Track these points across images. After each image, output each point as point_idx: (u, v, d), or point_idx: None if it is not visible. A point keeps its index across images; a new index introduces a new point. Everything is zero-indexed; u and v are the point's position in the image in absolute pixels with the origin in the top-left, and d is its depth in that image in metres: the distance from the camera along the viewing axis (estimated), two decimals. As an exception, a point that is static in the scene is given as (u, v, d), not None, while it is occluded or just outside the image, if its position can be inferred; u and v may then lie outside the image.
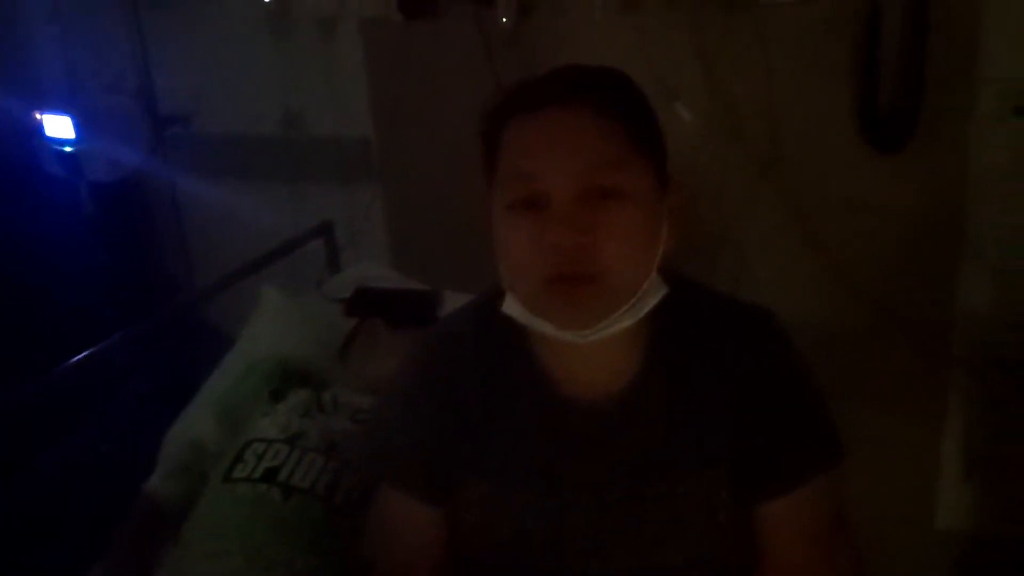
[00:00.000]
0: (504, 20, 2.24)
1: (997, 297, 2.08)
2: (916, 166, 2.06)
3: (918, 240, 2.11)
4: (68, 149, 2.65)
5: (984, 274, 2.07)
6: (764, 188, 2.20)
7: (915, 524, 2.25)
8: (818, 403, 0.99)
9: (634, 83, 0.96)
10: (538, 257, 0.87)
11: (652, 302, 0.92)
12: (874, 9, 1.98)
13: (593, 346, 0.92)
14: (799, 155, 2.16)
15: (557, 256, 0.86)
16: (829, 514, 0.99)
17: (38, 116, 2.67)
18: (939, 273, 2.12)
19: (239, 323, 1.87)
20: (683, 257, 0.97)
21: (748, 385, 0.96)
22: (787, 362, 0.99)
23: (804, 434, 0.97)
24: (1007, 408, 2.12)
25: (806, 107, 2.11)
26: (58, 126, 2.65)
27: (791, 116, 2.12)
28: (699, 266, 1.11)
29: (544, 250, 0.87)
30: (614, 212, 0.87)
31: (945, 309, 2.13)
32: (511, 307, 0.95)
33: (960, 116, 2.01)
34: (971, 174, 2.04)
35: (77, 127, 2.63)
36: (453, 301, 1.84)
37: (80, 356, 1.66)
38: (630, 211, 0.88)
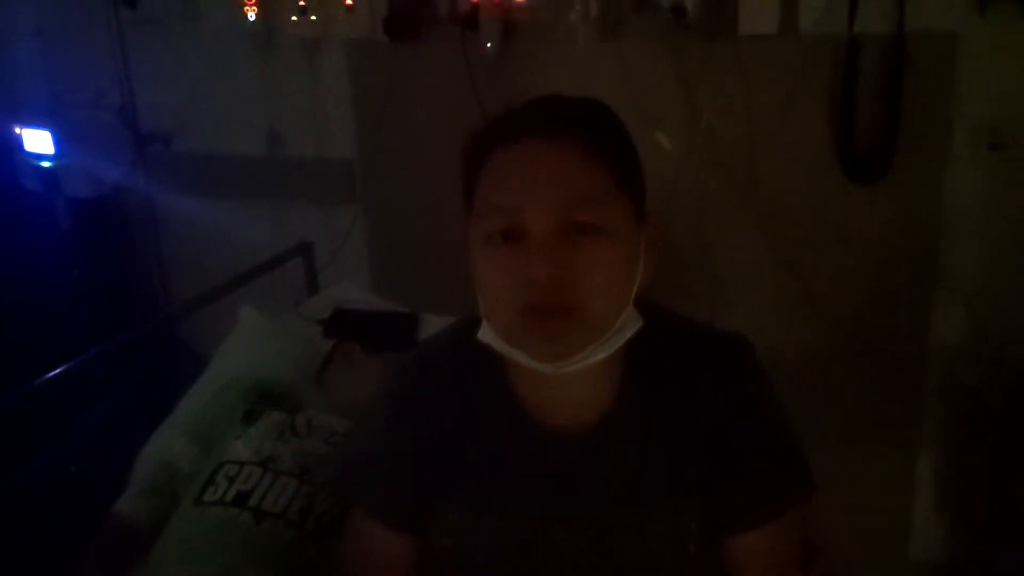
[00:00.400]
0: (488, 45, 2.25)
1: (970, 329, 2.10)
2: (892, 198, 2.08)
3: (893, 271, 2.13)
4: (47, 164, 2.63)
5: (958, 306, 2.10)
6: (742, 217, 2.22)
7: (889, 555, 2.26)
8: (789, 437, 0.99)
9: (616, 116, 0.96)
10: (515, 289, 0.88)
11: (627, 335, 0.93)
12: (852, 45, 2.01)
13: (568, 377, 0.92)
14: (777, 185, 2.18)
15: (533, 289, 0.86)
16: (800, 546, 1.00)
17: (17, 130, 2.66)
18: (913, 304, 2.14)
19: (215, 342, 1.86)
20: (660, 285, 0.97)
21: (720, 418, 0.96)
22: (759, 396, 0.99)
23: (774, 469, 0.97)
24: (980, 439, 2.14)
25: (784, 137, 2.13)
26: (38, 141, 2.63)
27: (769, 146, 2.15)
28: (676, 294, 1.11)
29: (521, 282, 0.87)
30: (592, 248, 0.87)
31: (919, 340, 2.15)
32: (487, 335, 0.95)
33: (935, 150, 2.04)
34: (946, 207, 2.07)
35: (57, 142, 2.61)
36: (431, 324, 1.83)
37: (52, 372, 1.64)
38: (608, 247, 0.88)
